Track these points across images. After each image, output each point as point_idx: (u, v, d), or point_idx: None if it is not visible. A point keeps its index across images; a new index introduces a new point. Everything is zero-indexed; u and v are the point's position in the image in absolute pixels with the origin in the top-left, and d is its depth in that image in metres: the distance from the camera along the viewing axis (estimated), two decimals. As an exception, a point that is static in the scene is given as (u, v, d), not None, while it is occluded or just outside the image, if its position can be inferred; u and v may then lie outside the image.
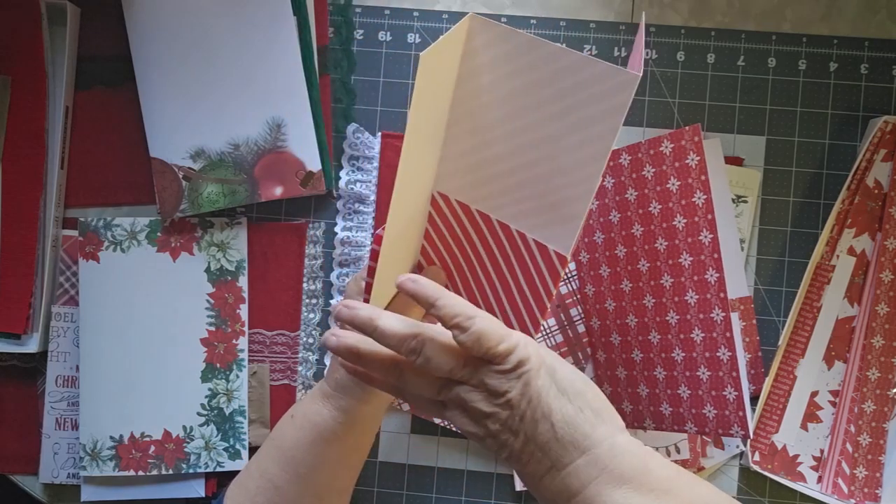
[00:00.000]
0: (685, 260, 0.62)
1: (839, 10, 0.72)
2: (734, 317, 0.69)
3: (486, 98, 0.51)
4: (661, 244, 0.63)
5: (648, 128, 0.72)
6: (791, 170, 0.71)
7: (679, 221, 0.62)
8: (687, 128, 0.61)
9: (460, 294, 0.60)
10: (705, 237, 0.61)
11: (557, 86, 0.48)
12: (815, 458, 0.69)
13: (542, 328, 0.57)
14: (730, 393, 0.60)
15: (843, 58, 0.71)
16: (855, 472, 0.68)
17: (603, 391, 0.69)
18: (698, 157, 0.61)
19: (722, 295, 0.60)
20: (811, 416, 0.69)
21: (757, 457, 0.69)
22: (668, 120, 0.72)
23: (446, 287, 0.58)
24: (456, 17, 0.73)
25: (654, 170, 0.63)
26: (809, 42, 0.72)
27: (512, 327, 0.56)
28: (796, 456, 0.69)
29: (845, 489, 0.68)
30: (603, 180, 0.67)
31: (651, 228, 0.64)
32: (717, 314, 0.60)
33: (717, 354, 0.61)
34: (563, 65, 0.47)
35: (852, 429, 0.68)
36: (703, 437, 0.69)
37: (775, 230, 0.71)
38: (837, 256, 0.69)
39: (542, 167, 0.51)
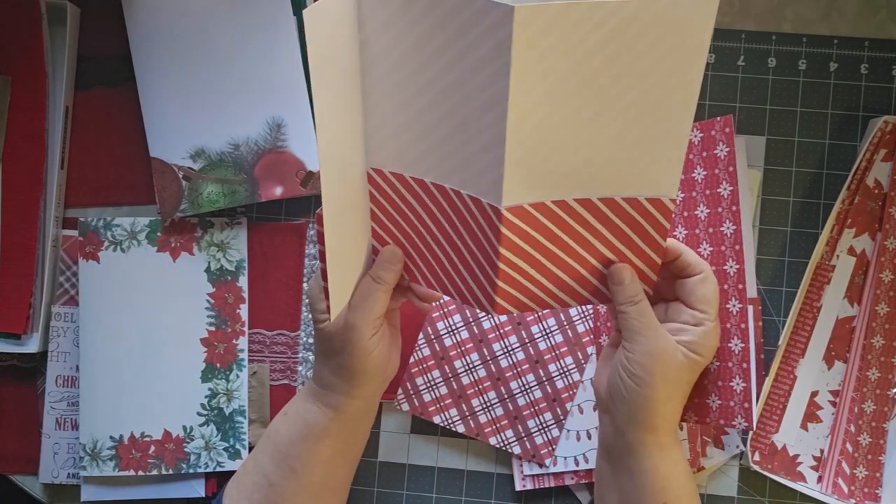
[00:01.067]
0: (704, 250, 0.62)
1: (839, 10, 0.72)
2: (750, 313, 0.68)
3: (391, 58, 0.49)
4: (679, 233, 0.63)
5: (648, 128, 0.72)
6: (791, 170, 0.71)
7: (701, 211, 0.62)
8: (719, 118, 0.61)
9: (419, 268, 0.58)
10: (728, 228, 0.61)
11: (448, 30, 0.46)
12: (815, 458, 0.69)
13: (499, 287, 0.56)
14: (737, 384, 0.60)
15: (843, 58, 0.71)
16: (855, 472, 0.68)
17: None
18: (728, 149, 0.61)
19: (741, 286, 0.60)
20: (811, 415, 0.69)
21: (757, 457, 0.69)
22: (668, 120, 0.72)
23: (406, 263, 0.58)
24: (456, 17, 0.73)
25: None
26: (809, 42, 0.72)
27: (470, 292, 0.56)
28: (796, 456, 0.69)
29: (845, 489, 0.68)
30: None
31: (671, 217, 0.64)
32: (734, 305, 0.60)
33: (730, 345, 0.60)
34: (448, 7, 0.46)
35: (852, 429, 0.68)
36: (702, 436, 0.69)
37: (775, 230, 0.71)
38: (837, 256, 0.69)
39: (455, 117, 0.49)
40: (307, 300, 0.57)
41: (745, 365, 0.60)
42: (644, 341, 0.54)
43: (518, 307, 0.56)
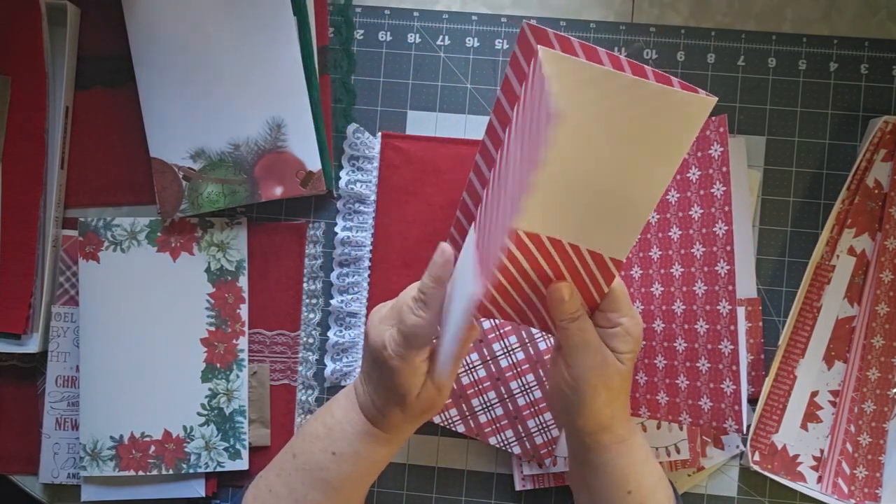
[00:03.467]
0: (697, 250, 0.62)
1: (839, 10, 0.72)
2: (740, 314, 0.69)
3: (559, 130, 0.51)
4: (674, 233, 0.63)
5: (648, 128, 0.72)
6: (791, 170, 0.71)
7: (695, 211, 0.62)
8: (713, 118, 0.61)
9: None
10: (720, 229, 0.61)
11: (632, 112, 0.48)
12: (815, 458, 0.69)
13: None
14: (728, 386, 0.60)
15: (843, 58, 0.71)
16: (855, 472, 0.68)
17: None
18: (722, 148, 0.61)
19: (731, 288, 0.60)
20: (811, 416, 0.69)
21: (757, 457, 0.69)
22: (668, 120, 0.72)
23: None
24: (456, 17, 0.73)
25: None
26: (809, 42, 0.72)
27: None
28: (796, 456, 0.69)
29: (845, 489, 0.68)
30: None
31: (667, 217, 0.64)
32: (724, 306, 0.60)
33: (720, 347, 0.60)
34: (639, 94, 0.47)
35: (852, 429, 0.68)
36: (702, 436, 0.69)
37: (775, 230, 0.71)
38: (837, 256, 0.69)
39: (606, 185, 0.51)
40: (390, 377, 0.54)
41: (734, 367, 0.60)
42: (586, 355, 0.55)
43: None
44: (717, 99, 0.47)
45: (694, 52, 0.72)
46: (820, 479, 0.69)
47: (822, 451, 0.69)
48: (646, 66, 0.50)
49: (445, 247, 0.53)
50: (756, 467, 0.68)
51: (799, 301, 0.68)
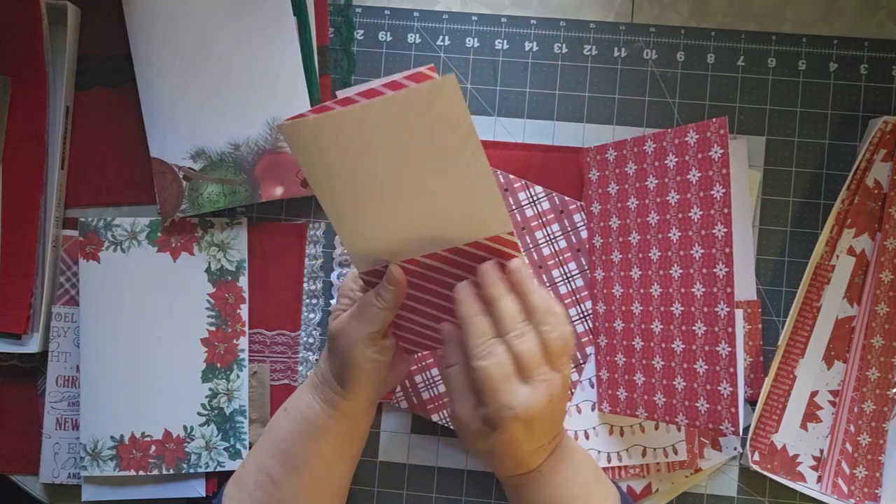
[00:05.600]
0: (696, 252, 0.62)
1: (839, 10, 0.72)
2: (739, 316, 0.69)
3: (341, 177, 0.50)
4: (674, 234, 0.63)
5: (648, 128, 0.72)
6: (791, 170, 0.71)
7: (695, 213, 0.62)
8: (714, 119, 0.61)
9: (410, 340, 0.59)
10: (719, 231, 0.61)
11: (400, 129, 0.47)
12: (814, 458, 0.69)
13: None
14: (725, 388, 0.60)
15: (843, 58, 0.71)
16: (855, 471, 0.68)
17: (600, 376, 0.69)
18: (722, 150, 0.61)
19: (729, 290, 0.60)
20: (811, 415, 0.70)
21: (757, 457, 0.69)
22: (668, 120, 0.72)
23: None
24: (456, 17, 0.73)
25: (676, 159, 0.63)
26: (809, 42, 0.72)
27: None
28: (796, 456, 0.69)
29: (845, 489, 0.68)
30: (625, 166, 0.67)
31: (667, 218, 0.64)
32: (722, 308, 0.60)
33: (717, 349, 0.61)
34: (387, 116, 0.46)
35: (852, 429, 0.68)
36: (700, 438, 0.69)
37: (775, 230, 0.71)
38: (837, 256, 0.69)
39: (431, 204, 0.50)
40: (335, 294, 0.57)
41: (731, 369, 0.60)
42: (501, 397, 0.49)
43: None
44: (453, 75, 0.44)
45: (694, 52, 0.72)
46: (820, 479, 0.69)
47: (821, 451, 0.69)
48: (373, 82, 0.48)
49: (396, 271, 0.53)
50: (756, 467, 0.68)
51: (799, 301, 0.69)
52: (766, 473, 0.68)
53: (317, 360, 0.73)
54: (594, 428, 0.69)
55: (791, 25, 0.72)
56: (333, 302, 0.72)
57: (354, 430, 0.60)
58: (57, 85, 0.72)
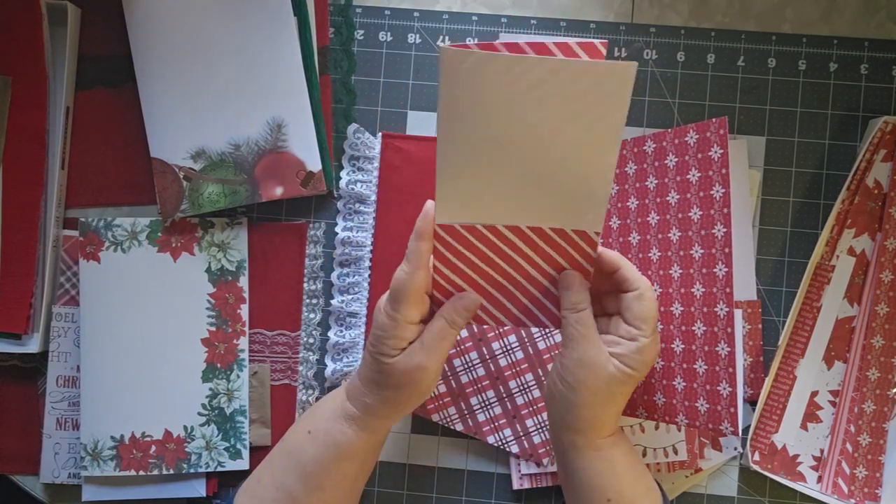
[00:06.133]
0: (696, 252, 0.62)
1: (839, 10, 0.72)
2: (738, 317, 0.69)
3: (476, 121, 0.50)
4: (674, 234, 0.63)
5: (648, 128, 0.72)
6: (791, 170, 0.71)
7: (695, 213, 0.62)
8: (714, 119, 0.61)
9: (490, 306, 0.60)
10: (719, 231, 0.61)
11: (558, 91, 0.48)
12: (815, 458, 0.69)
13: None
14: (724, 389, 0.60)
15: (843, 58, 0.71)
16: (855, 471, 0.68)
17: None
18: (721, 150, 0.61)
19: (728, 290, 0.60)
20: (811, 415, 0.70)
21: (757, 457, 0.69)
22: (668, 120, 0.72)
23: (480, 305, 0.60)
24: (456, 17, 0.73)
25: (676, 159, 0.63)
26: (809, 42, 0.72)
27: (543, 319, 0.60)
28: (796, 456, 0.69)
29: (845, 489, 0.68)
30: (625, 166, 0.67)
31: (666, 218, 0.64)
32: (721, 309, 0.60)
33: (717, 349, 0.61)
34: (563, 74, 0.47)
35: (852, 429, 0.68)
36: (700, 438, 0.69)
37: (775, 230, 0.71)
38: (837, 256, 0.69)
39: (553, 165, 0.51)
40: (375, 333, 0.56)
41: (731, 369, 0.60)
42: (578, 349, 0.55)
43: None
44: (636, 64, 0.46)
45: (694, 52, 0.72)
46: (820, 479, 0.69)
47: (821, 451, 0.69)
48: (546, 41, 0.49)
49: (430, 204, 0.55)
50: (756, 467, 0.68)
51: (799, 301, 0.69)
52: (766, 473, 0.68)
53: (317, 360, 0.73)
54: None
55: (791, 25, 0.72)
56: (334, 301, 0.72)
57: (379, 445, 0.62)
58: (57, 85, 0.72)
